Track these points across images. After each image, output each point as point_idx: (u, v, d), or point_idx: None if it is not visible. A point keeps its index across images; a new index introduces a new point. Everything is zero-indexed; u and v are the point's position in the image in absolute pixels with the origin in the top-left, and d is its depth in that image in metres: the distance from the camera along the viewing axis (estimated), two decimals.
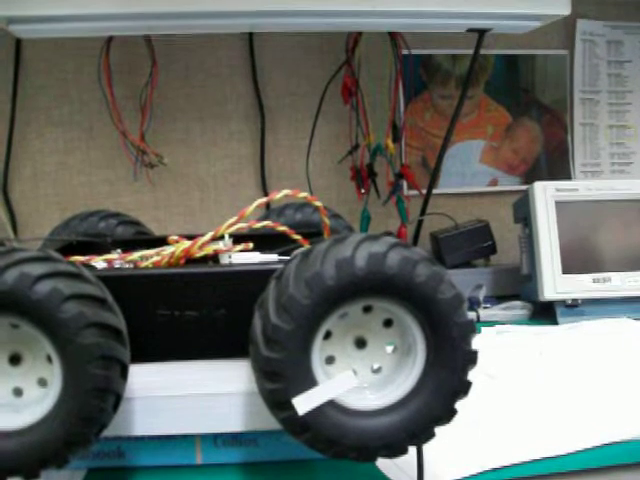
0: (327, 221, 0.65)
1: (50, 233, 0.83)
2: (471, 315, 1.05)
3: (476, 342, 0.92)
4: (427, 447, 0.53)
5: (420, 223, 1.23)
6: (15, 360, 0.50)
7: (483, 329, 1.00)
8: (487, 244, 1.20)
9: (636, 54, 1.36)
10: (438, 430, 0.51)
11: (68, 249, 0.74)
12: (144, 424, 0.57)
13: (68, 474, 0.58)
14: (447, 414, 0.50)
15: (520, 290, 1.13)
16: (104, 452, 0.59)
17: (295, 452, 0.59)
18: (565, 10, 0.97)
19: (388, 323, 0.52)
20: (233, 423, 0.57)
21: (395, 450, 0.49)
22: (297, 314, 0.46)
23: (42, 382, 0.50)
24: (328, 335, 0.50)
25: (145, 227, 0.85)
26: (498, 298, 1.15)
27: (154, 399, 0.57)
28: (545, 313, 1.07)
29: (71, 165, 1.20)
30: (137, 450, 0.59)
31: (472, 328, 0.49)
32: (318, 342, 0.48)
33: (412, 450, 0.52)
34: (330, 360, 0.51)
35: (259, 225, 0.63)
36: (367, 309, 0.51)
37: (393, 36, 1.14)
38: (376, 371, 0.52)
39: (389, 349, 0.52)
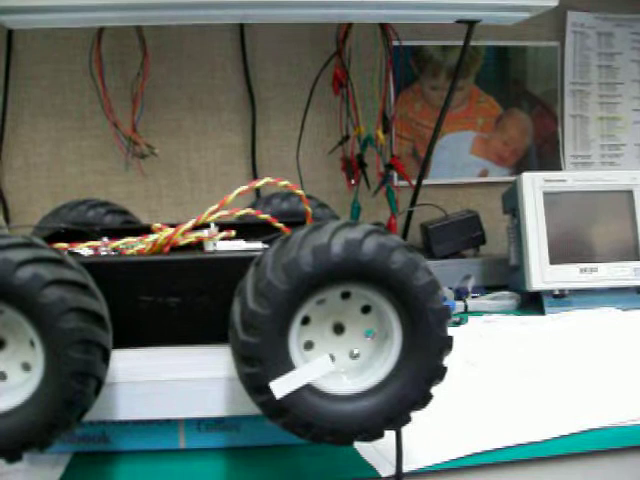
0: (309, 209, 0.66)
1: (39, 222, 0.84)
2: (459, 305, 1.06)
3: (463, 331, 0.93)
4: (407, 432, 0.54)
5: (410, 214, 1.24)
6: None
7: (470, 318, 1.01)
8: (476, 235, 1.21)
9: (626, 46, 1.37)
10: (418, 415, 0.51)
11: (57, 237, 0.75)
12: (128, 409, 0.58)
13: (53, 458, 0.59)
14: (423, 399, 0.50)
15: (508, 280, 1.13)
16: (89, 436, 0.60)
17: (277, 437, 0.59)
18: (553, 1, 0.98)
19: (366, 309, 0.52)
20: (216, 408, 0.58)
21: (371, 434, 0.50)
22: (274, 299, 0.47)
23: (25, 366, 0.51)
24: (307, 321, 0.51)
25: (133, 216, 0.86)
26: (487, 288, 1.15)
27: (138, 384, 0.57)
28: (533, 303, 1.08)
29: (63, 155, 1.21)
30: (121, 434, 0.60)
31: (447, 314, 0.49)
32: (296, 327, 0.49)
33: (392, 434, 0.53)
34: (309, 345, 0.52)
35: (241, 213, 0.63)
36: (345, 295, 0.52)
37: (383, 27, 1.15)
38: (354, 356, 0.53)
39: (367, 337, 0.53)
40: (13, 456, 0.48)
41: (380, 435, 0.51)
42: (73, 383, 0.47)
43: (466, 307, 1.06)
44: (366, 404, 0.50)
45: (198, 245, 0.64)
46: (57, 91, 1.19)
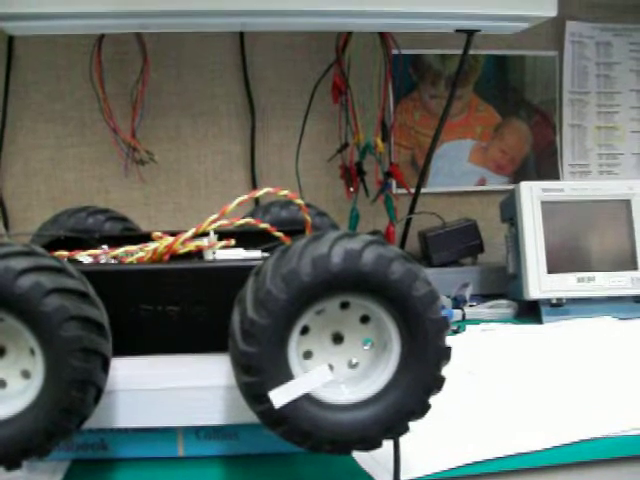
0: (309, 218, 0.66)
1: (39, 229, 0.84)
2: (457, 313, 1.06)
3: (461, 340, 0.93)
4: (405, 441, 0.54)
5: (408, 222, 1.24)
6: None
7: (468, 327, 1.01)
8: (474, 243, 1.21)
9: (625, 56, 1.37)
10: (415, 424, 0.52)
11: (56, 244, 0.75)
12: (127, 417, 0.58)
13: (52, 465, 0.59)
14: (421, 409, 0.51)
15: (506, 289, 1.14)
16: (87, 444, 0.60)
17: (275, 445, 0.59)
18: (552, 12, 0.98)
19: (365, 319, 0.53)
20: (215, 416, 0.58)
21: (370, 444, 0.51)
22: (274, 309, 0.47)
23: (25, 374, 0.51)
24: (306, 330, 0.51)
25: (133, 223, 0.86)
26: (484, 297, 1.16)
27: (137, 392, 0.58)
28: (530, 312, 1.07)
29: (62, 161, 1.21)
30: (120, 442, 0.60)
31: (446, 325, 0.50)
32: (295, 337, 0.49)
33: (390, 444, 0.53)
34: (308, 355, 0.52)
35: (241, 222, 0.64)
36: (344, 305, 0.52)
37: (383, 36, 1.15)
38: (353, 366, 0.53)
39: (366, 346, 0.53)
40: (12, 463, 0.49)
41: (378, 444, 0.51)
42: (73, 391, 0.48)
43: (464, 315, 1.07)
44: (364, 414, 0.50)
45: (198, 254, 0.64)
46: (57, 97, 1.20)
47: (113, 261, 0.64)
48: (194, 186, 1.25)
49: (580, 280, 1.04)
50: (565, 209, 1.07)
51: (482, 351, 0.90)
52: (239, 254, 0.64)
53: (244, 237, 0.69)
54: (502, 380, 0.79)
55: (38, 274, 0.47)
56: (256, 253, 0.64)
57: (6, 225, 1.17)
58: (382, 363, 0.51)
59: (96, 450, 0.61)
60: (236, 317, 0.49)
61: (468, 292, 1.12)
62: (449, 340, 0.51)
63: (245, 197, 0.59)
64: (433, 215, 1.23)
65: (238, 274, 0.53)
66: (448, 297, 1.10)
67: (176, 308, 0.57)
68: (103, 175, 1.22)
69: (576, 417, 0.68)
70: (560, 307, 1.05)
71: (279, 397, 0.48)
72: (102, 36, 1.09)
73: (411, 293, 0.48)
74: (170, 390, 0.58)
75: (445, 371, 0.51)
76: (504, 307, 1.09)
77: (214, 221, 0.60)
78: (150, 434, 0.60)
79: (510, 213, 1.10)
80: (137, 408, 0.58)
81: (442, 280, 1.13)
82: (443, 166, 1.32)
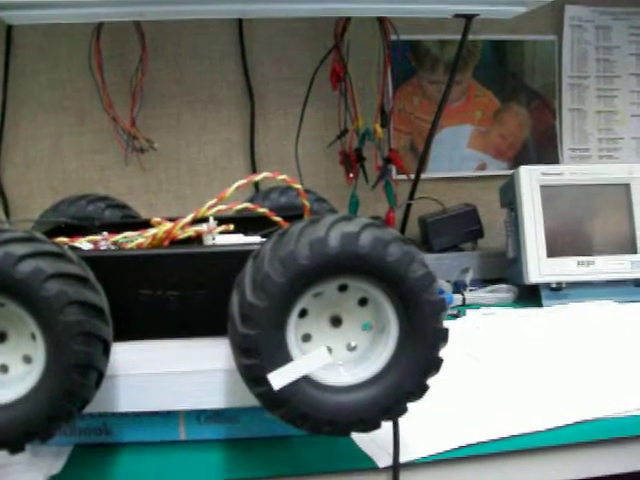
0: (307, 203, 0.66)
1: (40, 216, 0.84)
2: (457, 298, 1.06)
3: (461, 324, 0.94)
4: (404, 423, 0.55)
5: (408, 207, 1.24)
6: (1, 338, 0.52)
7: (468, 311, 1.02)
8: (474, 228, 1.21)
9: (624, 39, 1.37)
10: (415, 406, 0.52)
11: (57, 232, 0.75)
12: (129, 401, 0.59)
13: (55, 450, 0.60)
14: (419, 390, 0.51)
15: (506, 273, 1.14)
16: (90, 428, 0.61)
17: (276, 429, 0.60)
18: None
19: (363, 302, 0.53)
20: (215, 400, 0.59)
21: (368, 425, 0.51)
22: (272, 292, 0.48)
23: (27, 359, 0.51)
24: (304, 313, 0.52)
25: (133, 210, 0.86)
26: (485, 281, 1.16)
27: (139, 376, 0.58)
28: (530, 296, 1.08)
29: (63, 150, 1.21)
30: (122, 426, 0.61)
31: (443, 306, 0.50)
32: (293, 320, 0.50)
33: (389, 426, 0.54)
34: (306, 338, 0.53)
35: (239, 207, 0.64)
36: (343, 288, 0.52)
37: (381, 21, 1.15)
38: (351, 349, 0.54)
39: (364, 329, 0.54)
40: (16, 447, 0.49)
41: (377, 426, 0.51)
42: (74, 375, 0.48)
43: (464, 300, 1.07)
44: (363, 395, 0.51)
45: (197, 239, 0.64)
46: (56, 86, 1.20)
47: (113, 247, 0.64)
48: (194, 174, 1.25)
49: (580, 264, 1.05)
50: (565, 193, 1.07)
51: (482, 335, 0.90)
52: (238, 239, 0.65)
53: (244, 223, 0.69)
54: (502, 363, 0.80)
55: (38, 259, 0.48)
56: (255, 238, 0.65)
57: (7, 213, 1.17)
58: (380, 345, 0.52)
59: (98, 434, 0.61)
60: (235, 300, 0.50)
61: (468, 277, 1.12)
62: (449, 324, 0.51)
63: (243, 181, 0.60)
64: (433, 201, 1.23)
65: (237, 258, 0.54)
66: (448, 282, 1.10)
67: (176, 293, 0.57)
68: (103, 164, 1.22)
69: (576, 399, 0.68)
70: (560, 291, 1.05)
71: (278, 379, 0.49)
72: (101, 24, 1.09)
73: (408, 275, 0.49)
74: (171, 374, 0.58)
75: (444, 353, 0.51)
76: (504, 291, 1.10)
77: (212, 206, 0.60)
78: (152, 418, 0.61)
79: (510, 198, 1.10)
80: (138, 392, 0.58)
81: (442, 265, 1.14)
82: (443, 151, 1.32)
